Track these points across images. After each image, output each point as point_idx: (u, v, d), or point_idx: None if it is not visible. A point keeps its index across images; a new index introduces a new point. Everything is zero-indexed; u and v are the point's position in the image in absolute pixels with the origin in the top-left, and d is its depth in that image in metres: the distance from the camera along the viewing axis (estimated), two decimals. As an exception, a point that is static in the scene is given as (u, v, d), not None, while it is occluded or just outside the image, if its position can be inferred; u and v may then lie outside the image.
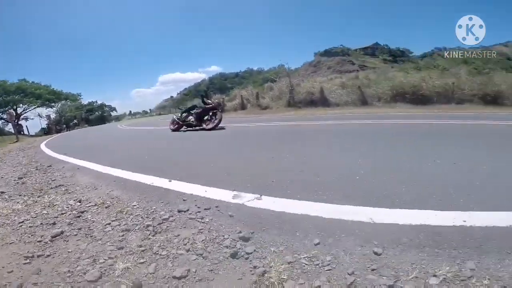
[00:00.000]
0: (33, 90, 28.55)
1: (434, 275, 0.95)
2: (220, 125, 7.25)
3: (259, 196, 1.75)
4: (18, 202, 2.21)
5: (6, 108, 27.24)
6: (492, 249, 1.07)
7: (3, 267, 1.22)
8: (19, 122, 26.88)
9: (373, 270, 0.99)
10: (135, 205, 1.83)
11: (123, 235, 1.43)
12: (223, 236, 1.32)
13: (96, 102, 45.83)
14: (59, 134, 19.12)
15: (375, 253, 1.08)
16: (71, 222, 1.68)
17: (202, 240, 1.30)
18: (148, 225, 1.50)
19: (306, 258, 1.10)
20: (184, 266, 1.12)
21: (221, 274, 1.06)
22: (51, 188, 2.60)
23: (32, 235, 1.55)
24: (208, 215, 1.57)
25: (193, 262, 1.14)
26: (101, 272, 1.12)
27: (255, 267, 1.07)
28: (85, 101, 40.69)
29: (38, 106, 30.28)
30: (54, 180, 2.93)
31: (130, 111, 66.53)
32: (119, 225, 1.56)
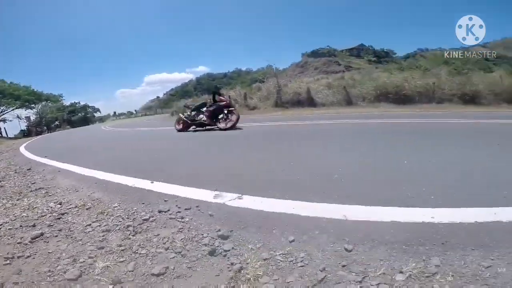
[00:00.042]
0: (12, 91, 27.35)
1: (401, 272, 0.98)
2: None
3: (240, 195, 1.79)
4: (-4, 206, 2.16)
5: (-18, 110, 26.02)
6: (457, 245, 1.11)
7: (-17, 269, 1.21)
8: (-3, 124, 25.71)
9: (343, 266, 1.03)
10: (116, 207, 1.84)
11: (103, 236, 1.45)
12: (202, 234, 1.36)
13: (79, 103, 44.58)
14: (39, 136, 18.45)
15: (346, 250, 1.13)
16: (51, 224, 1.67)
17: (181, 239, 1.33)
18: (128, 226, 1.52)
19: (281, 255, 1.14)
20: (162, 264, 1.15)
21: (199, 271, 1.09)
22: (31, 191, 2.55)
23: (11, 237, 1.54)
24: (188, 214, 1.60)
25: (172, 260, 1.18)
26: (81, 271, 1.15)
27: (232, 263, 1.11)
28: (67, 102, 39.44)
29: (17, 108, 29.02)
30: (34, 183, 2.87)
31: (115, 112, 64.84)
32: (99, 226, 1.57)
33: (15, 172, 3.68)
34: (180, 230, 1.43)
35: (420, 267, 0.99)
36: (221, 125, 6.66)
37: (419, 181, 1.88)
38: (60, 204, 2.02)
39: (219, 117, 6.78)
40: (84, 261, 1.22)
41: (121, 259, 1.21)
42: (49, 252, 1.33)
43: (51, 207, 1.99)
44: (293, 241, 1.23)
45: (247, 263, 1.10)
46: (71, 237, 1.48)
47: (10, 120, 29.33)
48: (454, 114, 7.91)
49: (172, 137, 6.68)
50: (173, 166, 3.09)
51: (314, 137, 4.79)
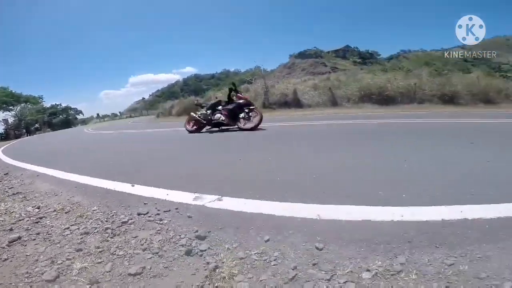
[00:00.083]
0: (-13, 93, 26.15)
1: (368, 270, 1.00)
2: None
3: (220, 197, 1.82)
4: (-30, 212, 2.10)
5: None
6: (423, 244, 1.14)
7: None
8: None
9: (314, 264, 1.07)
10: (95, 210, 1.84)
11: (81, 238, 1.46)
12: (180, 235, 1.38)
13: (60, 105, 43.00)
14: (18, 140, 17.72)
15: (317, 248, 1.17)
16: (29, 228, 1.66)
17: (159, 240, 1.35)
18: (107, 228, 1.53)
19: (256, 254, 1.17)
20: (139, 264, 1.17)
21: (175, 270, 1.12)
22: (8, 196, 2.49)
23: (-12, 242, 1.51)
24: (167, 217, 1.62)
25: (149, 260, 1.20)
26: (59, 272, 1.16)
27: (208, 263, 1.14)
28: (48, 104, 38.08)
29: (-7, 110, 27.76)
30: (12, 187, 2.79)
31: (98, 114, 62.94)
32: (78, 229, 1.57)
33: (-8, 177, 3.55)
34: (158, 231, 1.45)
35: (386, 265, 1.02)
36: (244, 125, 6.13)
37: (393, 181, 1.97)
38: (38, 208, 1.99)
39: (240, 116, 6.23)
40: (61, 263, 1.23)
41: (99, 260, 1.23)
42: (26, 255, 1.33)
43: (29, 211, 1.96)
44: (268, 240, 1.27)
45: (223, 262, 1.13)
46: (49, 240, 1.48)
47: (-14, 123, 28.05)
48: (433, 114, 8.25)
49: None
50: (159, 168, 3.09)
51: (297, 138, 4.88)
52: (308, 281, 0.98)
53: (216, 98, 7.65)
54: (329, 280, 0.98)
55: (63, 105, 43.56)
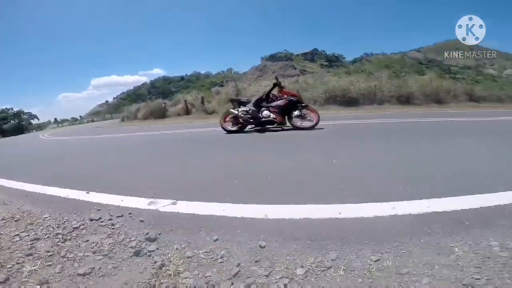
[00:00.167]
0: None
1: (302, 266, 1.06)
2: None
3: (175, 201, 1.84)
4: None
5: None
6: (354, 240, 1.21)
7: None
8: None
9: (256, 261, 1.13)
10: (46, 217, 1.80)
11: (32, 244, 1.44)
12: (130, 238, 1.41)
13: (12, 109, 39.16)
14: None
15: (260, 247, 1.23)
16: (-24, 237, 1.57)
17: (109, 243, 1.37)
18: (58, 234, 1.52)
19: (204, 253, 1.22)
20: (89, 265, 1.19)
21: (123, 270, 1.15)
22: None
23: None
24: (119, 221, 1.62)
25: (98, 262, 1.22)
26: (9, 275, 1.16)
27: (155, 262, 1.17)
28: (-4, 108, 34.37)
29: None
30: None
31: (56, 119, 58.15)
32: (28, 235, 1.54)
33: None
34: (110, 235, 1.46)
35: (318, 262, 1.09)
36: (301, 124, 5.64)
37: (340, 179, 2.12)
38: (-14, 218, 1.88)
39: (294, 114, 5.68)
40: (11, 267, 1.22)
41: (49, 263, 1.24)
42: (-26, 262, 1.28)
43: (-25, 221, 1.84)
44: (217, 240, 1.32)
45: (170, 261, 1.17)
46: (-2, 247, 1.43)
47: None
48: (390, 115, 8.90)
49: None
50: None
51: (260, 141, 4.98)
52: (249, 277, 1.04)
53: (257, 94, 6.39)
54: (267, 276, 1.04)
55: (15, 109, 39.72)
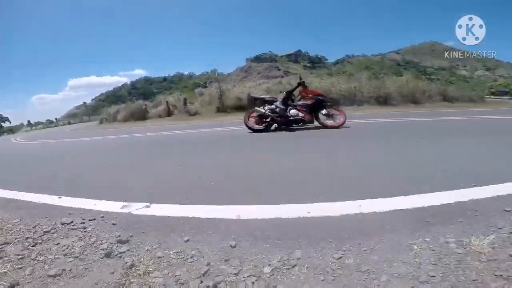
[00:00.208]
0: None
1: (269, 265, 1.10)
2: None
3: (149, 204, 1.83)
4: None
5: None
6: (319, 238, 1.24)
7: None
8: None
9: (226, 260, 1.16)
10: (16, 222, 1.75)
11: (1, 248, 1.41)
12: (101, 240, 1.40)
13: (-20, 112, 36.54)
14: None
15: (231, 246, 1.26)
16: None
17: (80, 246, 1.37)
18: (28, 238, 1.50)
19: (174, 253, 1.23)
20: (60, 267, 1.20)
21: (94, 271, 1.16)
22: None
23: None
24: (91, 225, 1.61)
25: (69, 263, 1.22)
26: (-23, 279, 1.13)
27: (126, 262, 1.18)
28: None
29: None
30: None
31: (29, 121, 55.03)
32: (-4, 240, 1.50)
33: None
34: (81, 238, 1.45)
35: (284, 260, 1.12)
36: (330, 122, 5.75)
37: (311, 180, 2.18)
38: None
39: (322, 113, 5.81)
40: (-20, 271, 1.20)
41: (19, 266, 1.24)
42: None
43: None
44: (188, 240, 1.34)
45: (140, 262, 1.18)
46: (-34, 252, 1.39)
47: None
48: (368, 115, 9.18)
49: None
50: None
51: (234, 143, 4.94)
52: (218, 275, 1.07)
53: (281, 92, 6.23)
54: (236, 274, 1.06)
55: (-16, 112, 37.09)
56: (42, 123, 54.03)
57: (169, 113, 16.30)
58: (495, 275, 0.94)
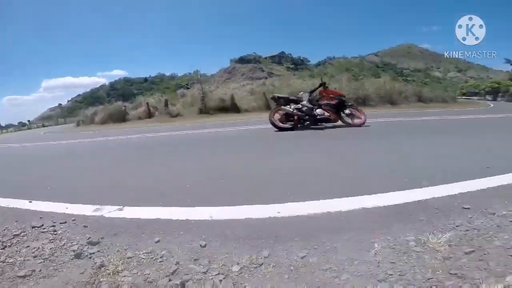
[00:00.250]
0: None
1: (237, 263, 1.12)
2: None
3: (121, 207, 1.83)
4: None
5: None
6: (286, 238, 1.28)
7: None
8: None
9: (195, 260, 1.18)
10: None
11: None
12: (72, 243, 1.40)
13: None
14: None
15: (201, 246, 1.28)
16: None
17: (51, 248, 1.37)
18: None
19: (144, 254, 1.25)
20: (29, 268, 1.20)
21: (64, 271, 1.17)
22: None
23: None
24: (62, 227, 1.60)
25: (39, 265, 1.23)
26: None
27: (95, 263, 1.20)
28: None
29: None
30: None
31: (-1, 124, 51.51)
32: (-36, 245, 1.46)
33: None
34: (51, 241, 1.45)
35: (252, 259, 1.14)
36: (353, 121, 6.04)
37: (283, 181, 2.24)
38: None
39: (345, 112, 6.12)
40: None
41: None
42: None
43: None
44: (158, 241, 1.35)
45: (110, 262, 1.20)
46: None
47: None
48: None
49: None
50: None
51: (207, 145, 4.95)
52: (187, 274, 1.09)
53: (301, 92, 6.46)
54: (205, 273, 1.09)
55: None
56: (13, 125, 50.81)
57: (149, 115, 15.91)
58: (450, 274, 0.96)
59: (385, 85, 16.71)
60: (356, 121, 6.05)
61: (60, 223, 1.64)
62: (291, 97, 6.31)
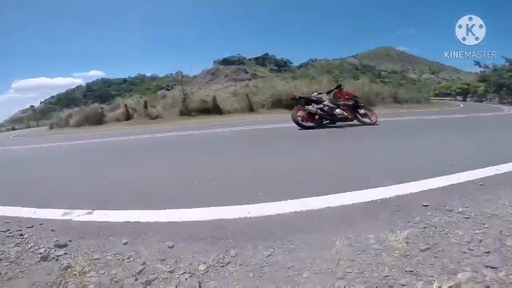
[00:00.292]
0: None
1: (204, 263, 1.15)
2: None
3: (91, 211, 1.81)
4: None
5: None
6: (253, 237, 1.31)
7: None
8: None
9: (162, 260, 1.20)
10: None
11: None
12: (39, 246, 1.39)
13: None
14: None
15: (169, 247, 1.30)
16: None
17: (17, 251, 1.34)
18: None
19: (111, 255, 1.26)
20: None
21: (31, 273, 1.17)
22: None
23: None
24: (29, 232, 1.57)
25: (4, 268, 1.20)
26: None
27: (62, 264, 1.21)
28: None
29: None
30: None
31: (-39, 127, 47.82)
32: None
33: None
34: (17, 244, 1.42)
35: (219, 258, 1.17)
36: (366, 120, 6.54)
37: (257, 181, 2.33)
38: None
39: (360, 112, 6.60)
40: None
41: None
42: None
43: None
44: (126, 243, 1.37)
45: (76, 263, 1.20)
46: None
47: None
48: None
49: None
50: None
51: (188, 147, 4.97)
52: (153, 273, 1.11)
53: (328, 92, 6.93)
54: (171, 272, 1.11)
55: None
56: (-21, 128, 47.36)
57: (128, 117, 15.47)
58: (406, 271, 0.99)
59: (363, 87, 17.30)
60: (370, 120, 6.62)
61: (27, 227, 1.61)
62: (312, 97, 6.67)
